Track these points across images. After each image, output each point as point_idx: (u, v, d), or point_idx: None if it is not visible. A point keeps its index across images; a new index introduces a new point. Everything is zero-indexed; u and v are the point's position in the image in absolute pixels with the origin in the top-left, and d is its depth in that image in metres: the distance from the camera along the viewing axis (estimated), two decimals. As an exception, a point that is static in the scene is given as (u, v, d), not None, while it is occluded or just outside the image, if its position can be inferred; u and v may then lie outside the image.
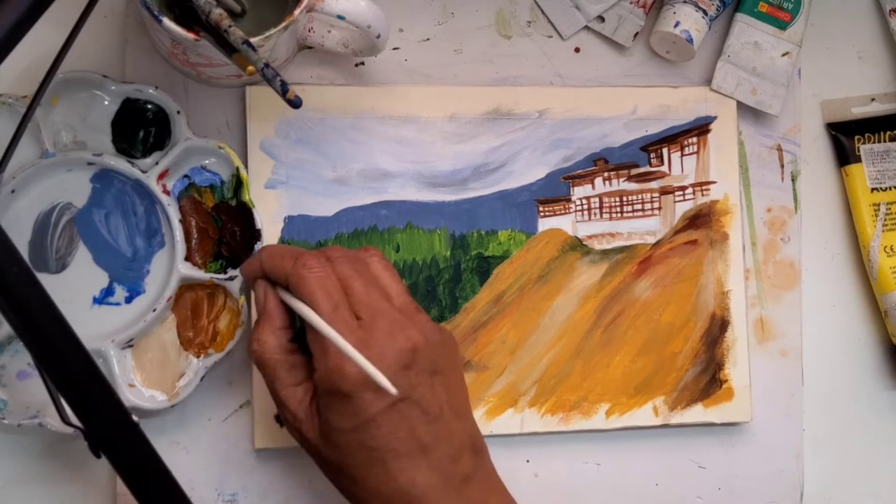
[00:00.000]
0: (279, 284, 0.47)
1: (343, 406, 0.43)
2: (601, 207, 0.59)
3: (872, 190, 0.62)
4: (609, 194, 0.59)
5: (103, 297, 0.52)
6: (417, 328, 0.45)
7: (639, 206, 0.59)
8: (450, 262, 0.57)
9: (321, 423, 0.45)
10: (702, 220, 0.59)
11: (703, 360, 0.58)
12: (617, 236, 0.59)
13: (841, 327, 0.62)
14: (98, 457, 0.41)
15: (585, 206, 0.59)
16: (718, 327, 0.59)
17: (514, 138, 0.58)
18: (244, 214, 0.53)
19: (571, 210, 0.58)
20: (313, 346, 0.45)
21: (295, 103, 0.45)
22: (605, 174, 0.59)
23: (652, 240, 0.59)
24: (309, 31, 0.53)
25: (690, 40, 0.57)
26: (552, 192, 0.58)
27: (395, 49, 0.57)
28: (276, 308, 0.46)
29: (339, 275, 0.45)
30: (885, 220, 0.61)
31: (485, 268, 0.57)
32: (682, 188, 0.59)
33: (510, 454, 0.57)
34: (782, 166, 0.61)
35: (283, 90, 0.45)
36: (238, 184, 0.53)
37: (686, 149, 0.60)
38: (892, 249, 0.61)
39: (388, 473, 0.44)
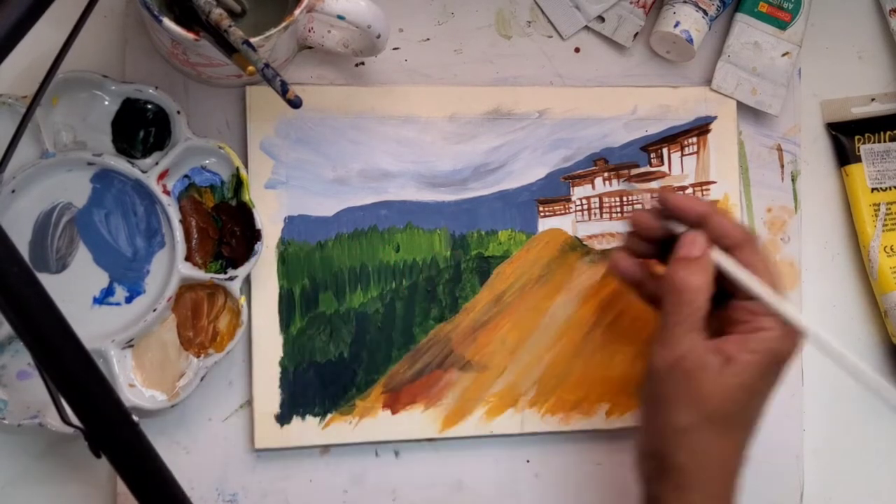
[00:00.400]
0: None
1: (773, 370, 0.48)
2: (601, 207, 0.59)
3: (872, 190, 0.62)
4: (609, 194, 0.59)
5: (103, 297, 0.52)
6: None
7: (639, 206, 0.59)
8: (450, 262, 0.57)
9: (734, 377, 0.47)
10: (702, 220, 0.59)
11: (703, 360, 0.58)
12: (617, 236, 0.59)
13: (841, 327, 0.62)
14: (98, 457, 0.41)
15: (585, 206, 0.59)
16: (718, 327, 0.59)
17: (514, 138, 0.58)
18: (244, 214, 0.53)
19: (571, 210, 0.58)
20: (765, 308, 0.48)
21: (295, 103, 0.45)
22: (605, 174, 0.59)
23: (652, 240, 0.59)
24: (309, 31, 0.53)
25: (690, 40, 0.57)
26: (552, 192, 0.58)
27: (395, 49, 0.57)
28: (710, 262, 0.49)
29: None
30: (885, 220, 0.61)
31: (485, 268, 0.57)
32: (683, 188, 0.59)
33: (510, 454, 0.57)
34: (782, 166, 0.61)
35: (283, 90, 0.45)
36: (238, 184, 0.53)
37: (686, 149, 0.60)
38: (892, 249, 0.61)
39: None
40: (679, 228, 0.51)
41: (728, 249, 0.49)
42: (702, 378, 0.47)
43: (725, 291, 0.50)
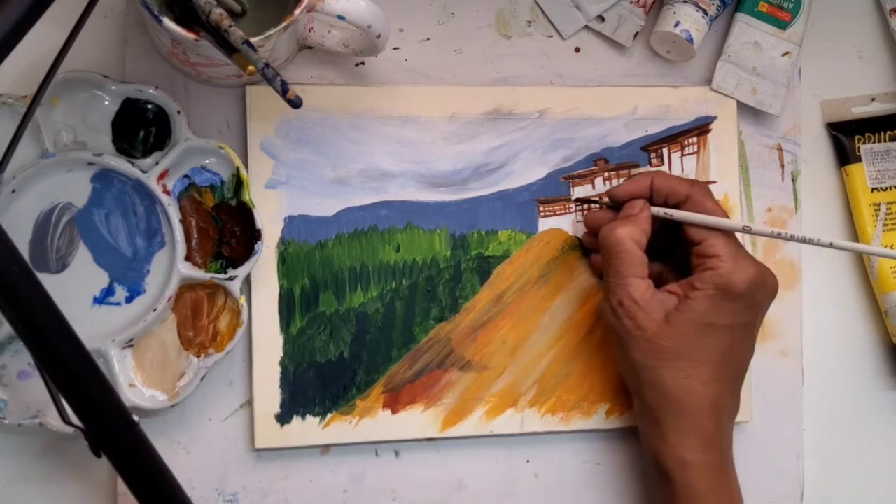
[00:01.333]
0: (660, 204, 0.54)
1: (730, 305, 0.51)
2: (601, 207, 0.59)
3: (873, 190, 0.62)
4: (609, 194, 0.59)
5: (104, 297, 0.52)
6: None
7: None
8: (450, 262, 0.57)
9: (684, 314, 0.51)
10: (702, 219, 0.59)
11: (703, 360, 0.58)
12: (617, 236, 0.59)
13: (841, 327, 0.62)
14: (98, 457, 0.41)
15: (586, 206, 0.59)
16: (718, 327, 0.58)
17: (515, 138, 0.58)
18: (244, 214, 0.53)
19: (572, 210, 0.58)
20: (711, 249, 0.52)
21: (295, 103, 0.45)
22: (606, 174, 0.59)
23: (652, 240, 0.59)
24: (309, 31, 0.53)
25: (690, 40, 0.57)
26: (552, 192, 0.58)
27: (395, 49, 0.57)
28: (647, 217, 0.54)
29: None
30: (886, 219, 0.61)
31: (485, 268, 0.57)
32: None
33: (510, 454, 0.57)
34: (782, 166, 0.61)
35: (284, 90, 0.45)
36: (238, 184, 0.53)
37: (686, 149, 0.60)
38: (892, 249, 0.61)
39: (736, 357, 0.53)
40: None
41: (680, 204, 0.54)
42: (647, 319, 0.51)
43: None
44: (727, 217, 0.53)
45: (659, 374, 0.51)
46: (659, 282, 0.54)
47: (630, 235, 0.52)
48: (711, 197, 0.54)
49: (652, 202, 0.55)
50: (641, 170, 0.59)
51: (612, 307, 0.52)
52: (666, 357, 0.51)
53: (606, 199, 0.57)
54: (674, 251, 0.56)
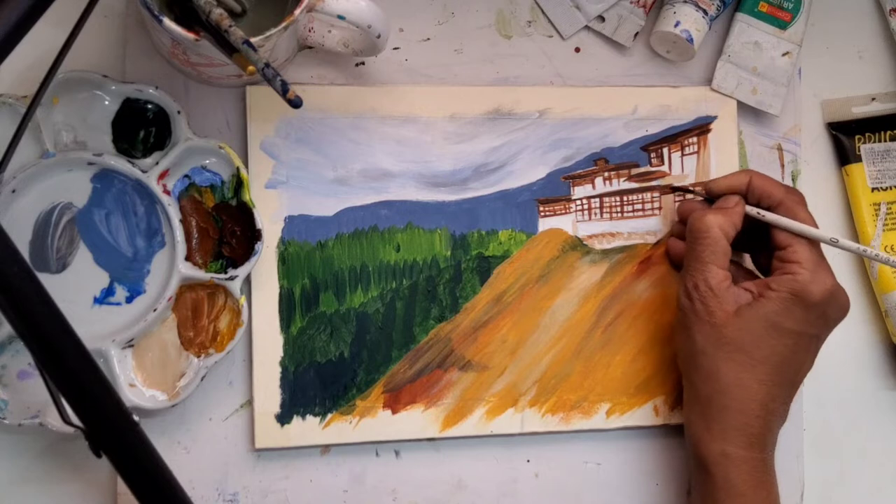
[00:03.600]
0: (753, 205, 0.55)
1: (800, 312, 0.52)
2: (601, 207, 0.59)
3: (873, 189, 0.62)
4: (609, 194, 0.59)
5: (104, 297, 0.52)
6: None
7: (639, 206, 0.59)
8: (450, 262, 0.57)
9: (755, 310, 0.52)
10: (702, 219, 0.59)
11: (703, 360, 0.58)
12: (617, 236, 0.59)
13: (841, 327, 0.62)
14: (99, 456, 0.41)
15: (586, 206, 0.59)
16: (719, 327, 0.59)
17: (515, 138, 0.58)
18: (244, 214, 0.53)
19: (572, 210, 0.59)
20: (794, 255, 0.53)
21: (295, 103, 0.45)
22: (606, 174, 0.59)
23: (652, 240, 0.59)
24: (309, 31, 0.53)
25: (690, 40, 0.57)
26: (552, 192, 0.58)
27: (395, 49, 0.57)
28: (740, 212, 0.54)
29: None
30: (886, 219, 0.61)
31: (485, 268, 0.57)
32: (683, 188, 0.59)
33: (510, 454, 0.57)
34: (783, 166, 0.61)
35: (284, 90, 0.45)
36: (238, 184, 0.53)
37: (686, 148, 0.60)
38: (892, 249, 0.61)
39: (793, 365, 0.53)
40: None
41: (772, 207, 0.54)
42: (718, 308, 0.52)
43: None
44: (813, 222, 0.54)
45: (716, 363, 0.52)
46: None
47: (719, 224, 0.53)
48: (805, 207, 0.55)
49: (745, 201, 0.55)
50: (642, 170, 0.59)
51: (686, 290, 0.53)
52: (727, 348, 0.52)
53: (701, 190, 0.57)
54: (754, 254, 0.57)
